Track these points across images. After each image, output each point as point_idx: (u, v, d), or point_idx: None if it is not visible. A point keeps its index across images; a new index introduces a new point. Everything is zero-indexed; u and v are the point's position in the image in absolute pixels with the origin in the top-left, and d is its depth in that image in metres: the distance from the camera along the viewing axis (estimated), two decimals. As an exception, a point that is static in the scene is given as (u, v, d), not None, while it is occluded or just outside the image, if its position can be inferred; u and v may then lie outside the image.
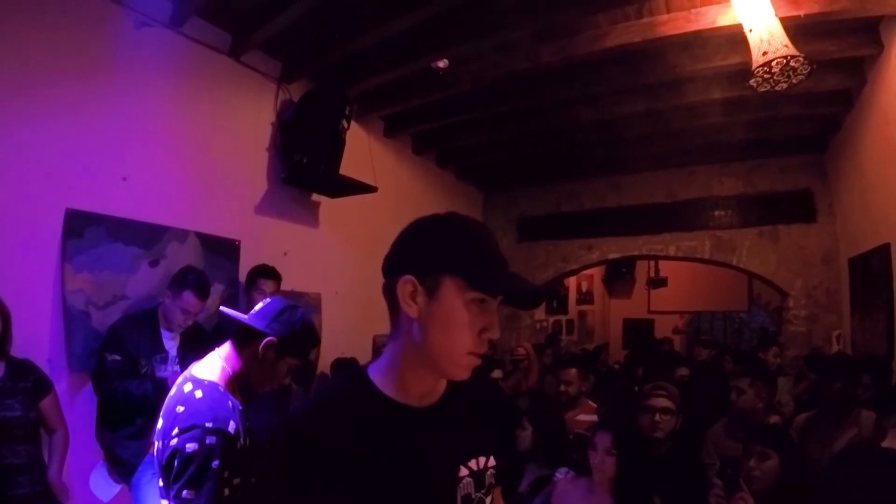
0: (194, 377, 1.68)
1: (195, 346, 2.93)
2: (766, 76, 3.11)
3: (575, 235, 6.95)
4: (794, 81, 3.11)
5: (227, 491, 1.54)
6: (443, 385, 1.11)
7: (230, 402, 1.64)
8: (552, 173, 6.87)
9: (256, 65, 4.03)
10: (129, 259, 3.16)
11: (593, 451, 2.46)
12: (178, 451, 1.50)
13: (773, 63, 2.98)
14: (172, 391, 1.69)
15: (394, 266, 1.05)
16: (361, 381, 1.08)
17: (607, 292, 11.22)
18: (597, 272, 9.94)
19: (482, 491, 1.11)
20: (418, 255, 1.03)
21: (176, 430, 1.53)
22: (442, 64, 4.13)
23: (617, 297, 11.21)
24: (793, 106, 4.57)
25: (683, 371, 4.53)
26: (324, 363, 4.49)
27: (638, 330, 10.27)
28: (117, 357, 2.78)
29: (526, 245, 7.29)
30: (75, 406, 2.95)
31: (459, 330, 0.99)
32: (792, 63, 2.96)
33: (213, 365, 1.74)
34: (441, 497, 1.05)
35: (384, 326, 4.27)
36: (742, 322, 9.89)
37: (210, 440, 1.51)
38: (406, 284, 1.00)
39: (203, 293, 2.97)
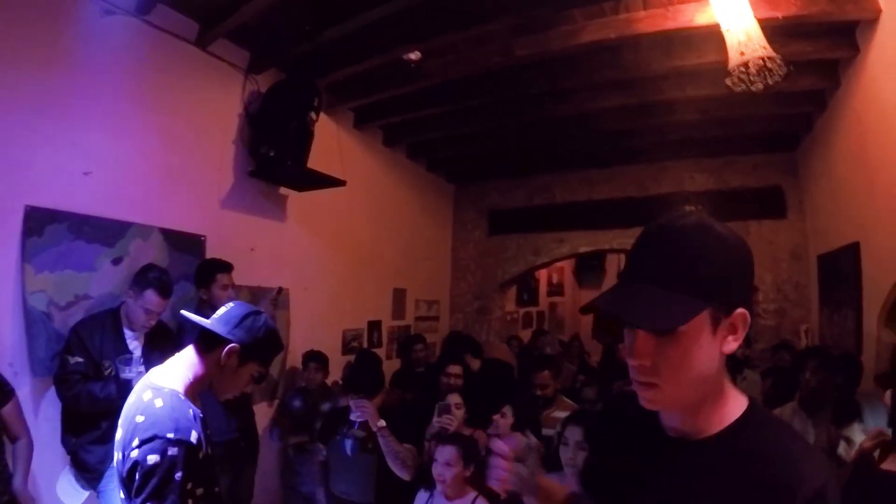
0: (154, 385, 1.62)
1: (160, 346, 2.87)
2: (742, 76, 3.10)
3: (546, 229, 6.94)
4: (769, 82, 3.10)
5: (190, 502, 1.49)
6: (708, 423, 0.97)
7: (191, 411, 1.59)
8: (524, 166, 6.83)
9: (224, 54, 3.89)
10: (92, 257, 3.03)
11: (564, 446, 2.48)
12: (139, 463, 1.46)
13: (750, 64, 2.97)
14: (131, 398, 1.63)
15: None
16: None
17: (578, 284, 11.25)
18: (567, 264, 9.98)
19: None
20: None
21: (136, 442, 1.48)
22: (414, 56, 4.04)
23: (587, 289, 11.21)
24: (767, 104, 4.57)
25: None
26: (293, 358, 4.42)
27: (609, 321, 10.27)
28: (80, 359, 2.68)
29: (497, 238, 7.27)
30: (40, 411, 2.85)
31: None
32: (768, 64, 2.95)
33: (174, 371, 1.68)
34: None
35: (353, 321, 4.30)
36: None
37: (172, 451, 1.47)
38: None
39: (165, 292, 2.87)
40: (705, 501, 0.93)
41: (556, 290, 10.05)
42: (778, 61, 2.93)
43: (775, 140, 5.55)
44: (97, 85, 3.10)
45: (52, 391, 2.78)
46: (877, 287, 3.79)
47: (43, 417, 2.84)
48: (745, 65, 3.00)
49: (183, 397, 1.60)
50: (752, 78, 3.09)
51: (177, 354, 1.75)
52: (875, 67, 3.54)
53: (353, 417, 3.06)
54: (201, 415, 1.63)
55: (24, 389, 2.69)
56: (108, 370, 2.73)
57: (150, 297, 2.80)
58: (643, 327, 0.90)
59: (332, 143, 4.81)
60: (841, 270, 4.38)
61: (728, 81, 3.17)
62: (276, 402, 4.36)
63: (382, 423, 2.93)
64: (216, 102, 3.90)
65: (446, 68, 4.21)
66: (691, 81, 4.29)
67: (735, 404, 0.98)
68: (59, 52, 2.92)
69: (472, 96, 4.72)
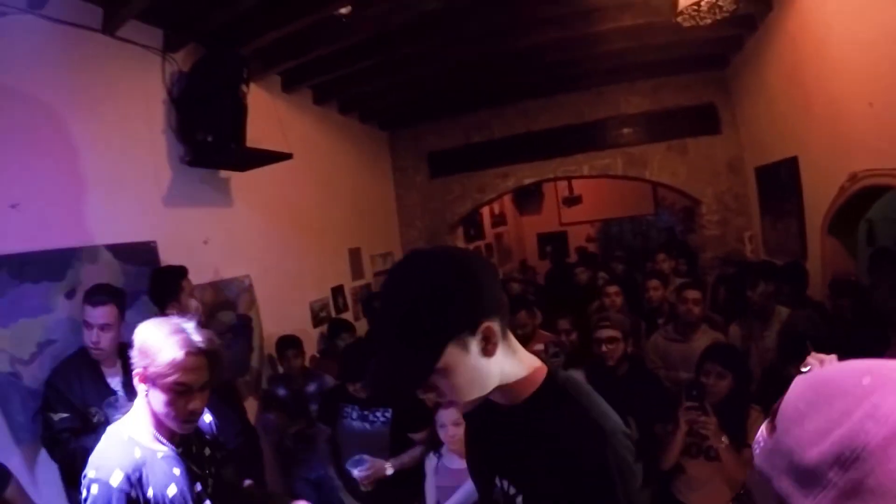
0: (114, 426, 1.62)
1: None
2: (692, 13, 3.12)
3: (488, 165, 6.93)
4: (718, 18, 3.14)
5: None
6: (515, 394, 1.09)
7: (138, 451, 1.51)
8: (458, 106, 6.70)
9: (135, 37, 3.45)
10: (43, 297, 2.68)
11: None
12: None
13: (703, 2, 2.98)
14: None
15: None
16: None
17: (518, 211, 11.41)
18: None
19: None
20: None
21: None
22: (345, 10, 3.78)
23: (528, 215, 11.43)
24: (698, 29, 4.56)
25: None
26: (269, 343, 4.31)
27: (552, 242, 10.59)
28: (64, 414, 2.43)
29: (440, 180, 7.19)
30: (37, 477, 2.57)
31: None
32: (720, 2, 2.97)
33: (133, 411, 1.62)
34: (484, 492, 1.21)
35: (317, 291, 4.24)
36: (649, 224, 10.43)
37: (90, 489, 1.46)
38: None
39: (96, 300, 2.56)
40: (511, 454, 1.11)
41: (499, 220, 10.12)
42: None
43: (706, 60, 5.67)
44: (3, 101, 2.67)
45: (44, 453, 2.55)
46: (816, 197, 4.06)
47: (43, 483, 2.58)
48: (698, 3, 3.00)
49: (127, 437, 1.53)
50: (702, 14, 3.12)
51: None
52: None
53: (362, 485, 2.87)
54: (166, 454, 1.56)
55: (13, 461, 2.39)
56: (97, 417, 2.48)
57: (85, 311, 2.54)
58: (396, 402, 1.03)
59: (266, 113, 4.54)
60: (780, 182, 4.62)
61: (679, 19, 3.18)
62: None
63: (390, 469, 2.82)
64: (137, 92, 3.50)
65: (381, 19, 3.99)
66: (628, 11, 4.27)
67: (534, 378, 1.08)
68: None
69: (406, 44, 4.54)
